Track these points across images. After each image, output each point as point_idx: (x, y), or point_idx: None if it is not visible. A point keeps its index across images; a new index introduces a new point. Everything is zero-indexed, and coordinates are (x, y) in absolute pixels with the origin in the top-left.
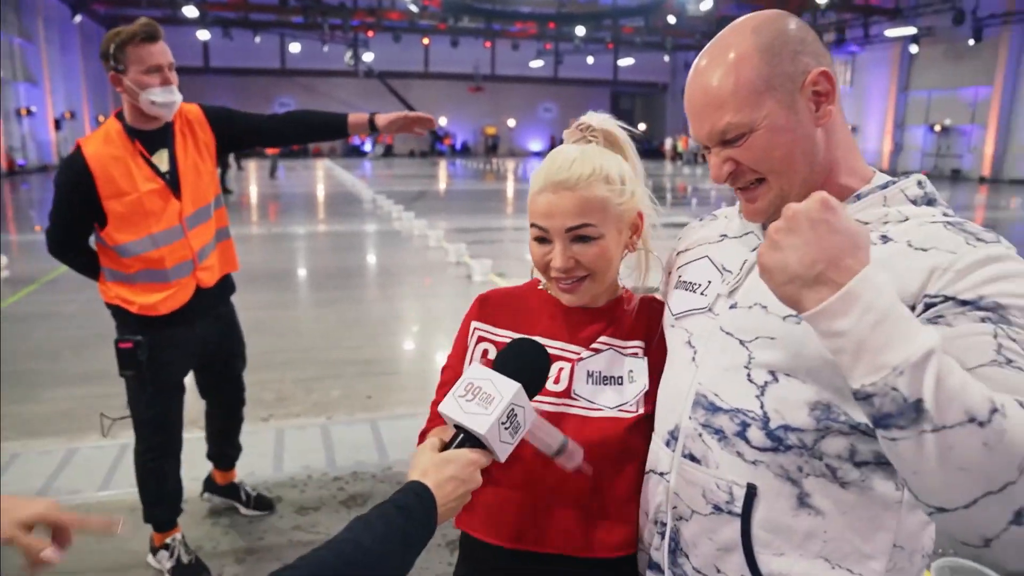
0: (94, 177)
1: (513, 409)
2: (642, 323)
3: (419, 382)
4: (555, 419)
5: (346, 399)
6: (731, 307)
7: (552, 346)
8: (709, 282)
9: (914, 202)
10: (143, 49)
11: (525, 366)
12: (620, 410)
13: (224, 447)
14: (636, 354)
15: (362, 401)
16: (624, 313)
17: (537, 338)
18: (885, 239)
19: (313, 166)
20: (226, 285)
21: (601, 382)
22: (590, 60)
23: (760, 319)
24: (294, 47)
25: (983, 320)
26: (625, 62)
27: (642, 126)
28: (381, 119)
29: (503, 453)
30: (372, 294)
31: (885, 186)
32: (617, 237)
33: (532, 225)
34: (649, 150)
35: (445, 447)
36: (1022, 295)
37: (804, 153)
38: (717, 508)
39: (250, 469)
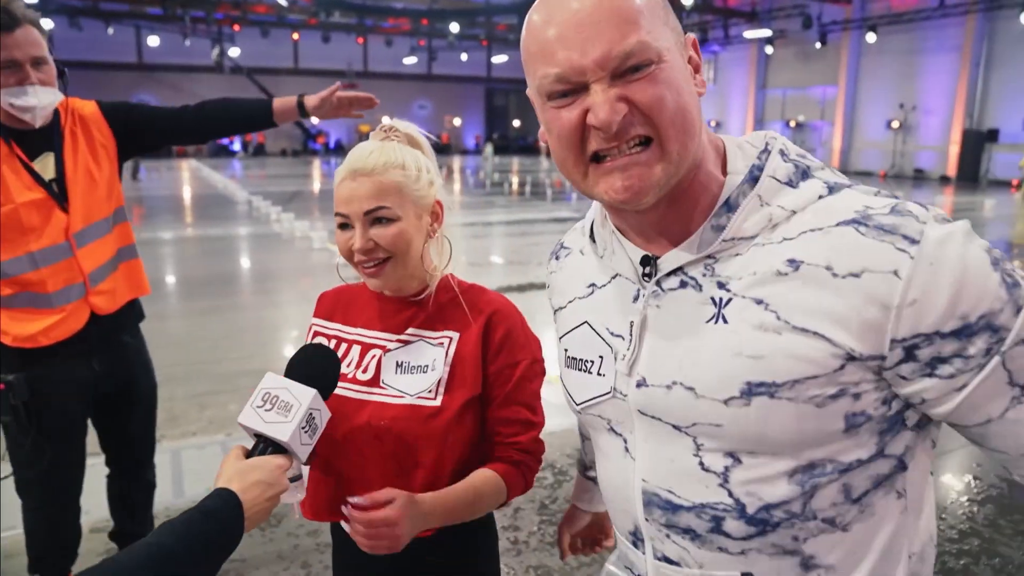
0: None
1: (311, 413)
2: (459, 310)
3: None
4: (358, 406)
5: None
6: (638, 385)
7: (367, 335)
8: (601, 357)
9: (790, 183)
10: None
11: (316, 370)
12: (419, 397)
13: (126, 523)
14: (442, 343)
15: None
16: (437, 302)
17: (359, 329)
18: (793, 264)
19: (178, 167)
20: (131, 313)
21: (408, 371)
22: (464, 57)
23: (690, 404)
24: (152, 40)
25: (988, 350)
26: (499, 59)
27: (516, 123)
28: (312, 101)
29: (304, 455)
30: (257, 300)
31: (753, 179)
32: (416, 222)
33: (336, 214)
34: (524, 146)
35: (249, 455)
36: (984, 290)
37: (696, 113)
38: None
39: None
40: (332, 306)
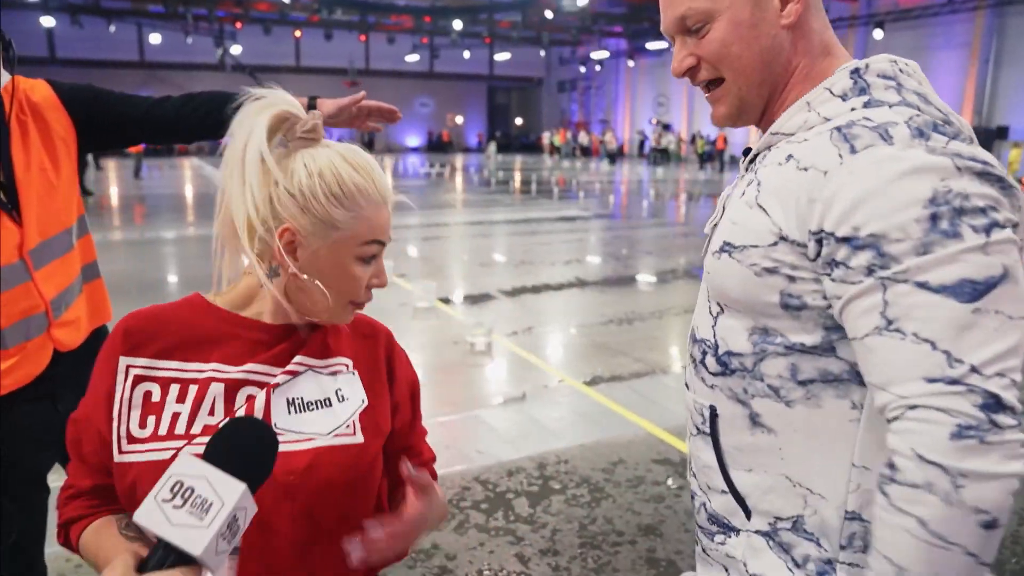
0: None
1: (236, 514)
2: (345, 336)
3: None
4: None
5: None
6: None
7: (237, 371)
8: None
9: (843, 97)
10: None
11: (248, 454)
12: (336, 436)
13: None
14: (341, 371)
15: None
16: (322, 329)
17: (216, 365)
18: (789, 158)
19: (180, 165)
20: (96, 343)
21: (306, 408)
22: (466, 55)
23: (708, 255)
24: (154, 38)
25: (869, 269)
26: (501, 57)
27: (519, 121)
28: (328, 108)
29: (219, 566)
30: None
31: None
32: None
33: (373, 242)
34: (527, 144)
35: (143, 565)
36: (890, 213)
37: (763, 52)
38: (698, 429)
39: None
40: (152, 339)
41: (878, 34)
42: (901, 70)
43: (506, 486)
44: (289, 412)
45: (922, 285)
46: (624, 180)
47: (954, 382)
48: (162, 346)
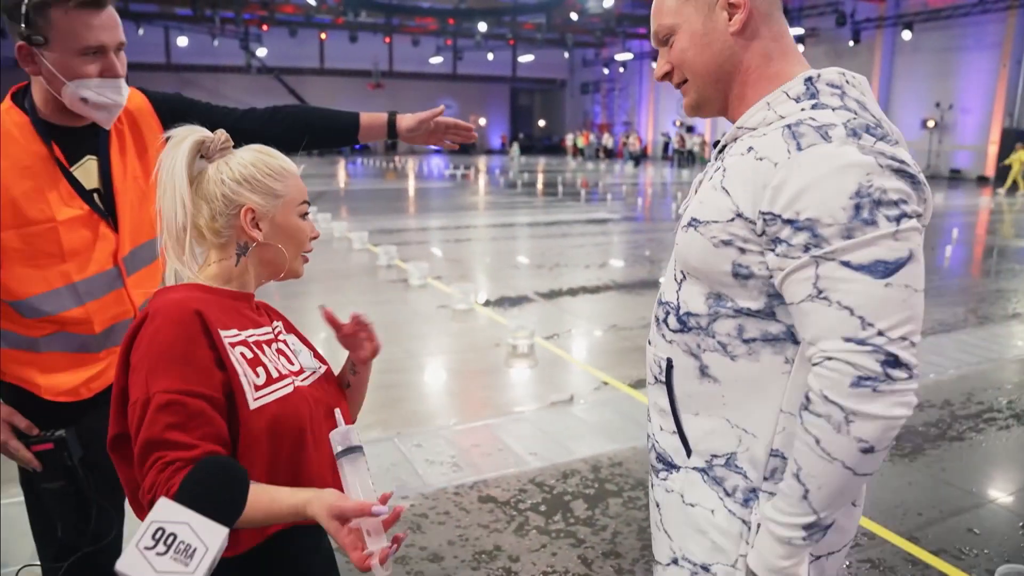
0: None
1: (216, 558)
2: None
3: (382, 399)
4: (312, 398)
5: None
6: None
7: (263, 332)
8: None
9: (796, 99)
10: (81, 17)
11: (222, 497)
12: (322, 364)
13: None
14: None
15: None
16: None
17: (253, 329)
18: (750, 150)
19: None
20: None
21: (299, 351)
22: (490, 56)
23: (678, 230)
24: (181, 41)
25: (805, 247)
26: (525, 58)
27: (542, 122)
28: (406, 122)
29: None
30: (300, 303)
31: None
32: None
33: (303, 202)
34: (550, 146)
35: None
36: (823, 202)
37: (715, 56)
38: (655, 378)
39: None
40: (221, 315)
41: (906, 35)
42: (848, 81)
43: (562, 488)
44: (298, 354)
45: (845, 264)
46: (649, 182)
47: (863, 342)
48: (223, 320)
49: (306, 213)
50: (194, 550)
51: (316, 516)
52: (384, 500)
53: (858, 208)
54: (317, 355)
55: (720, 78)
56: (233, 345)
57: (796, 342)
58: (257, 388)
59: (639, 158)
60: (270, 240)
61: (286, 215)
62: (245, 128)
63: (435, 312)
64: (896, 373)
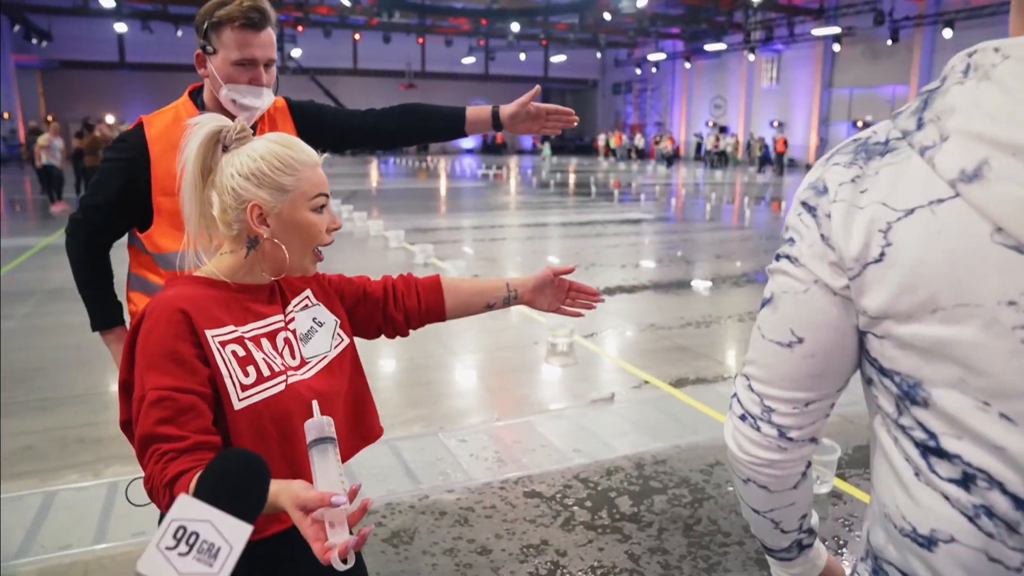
0: (151, 164)
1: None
2: (296, 280)
3: (423, 395)
4: (304, 393)
5: None
6: None
7: (264, 324)
8: None
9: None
10: (241, 35)
11: (245, 492)
12: (335, 347)
13: None
14: (308, 304)
15: None
16: (278, 281)
17: (254, 323)
18: None
19: None
20: None
21: (308, 338)
22: (522, 57)
23: None
24: None
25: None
26: (557, 59)
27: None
28: (509, 110)
29: None
30: None
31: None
32: None
33: (319, 195)
34: (581, 147)
35: None
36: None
37: None
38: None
39: None
40: (209, 312)
41: (947, 33)
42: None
43: (607, 485)
44: (305, 344)
45: None
46: (681, 183)
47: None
48: (216, 317)
49: (322, 206)
50: (218, 549)
51: (284, 506)
52: (352, 493)
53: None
54: (344, 325)
55: None
56: (223, 344)
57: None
58: (244, 388)
59: (671, 159)
60: (278, 236)
61: (295, 210)
62: (363, 124)
63: None
64: (736, 407)
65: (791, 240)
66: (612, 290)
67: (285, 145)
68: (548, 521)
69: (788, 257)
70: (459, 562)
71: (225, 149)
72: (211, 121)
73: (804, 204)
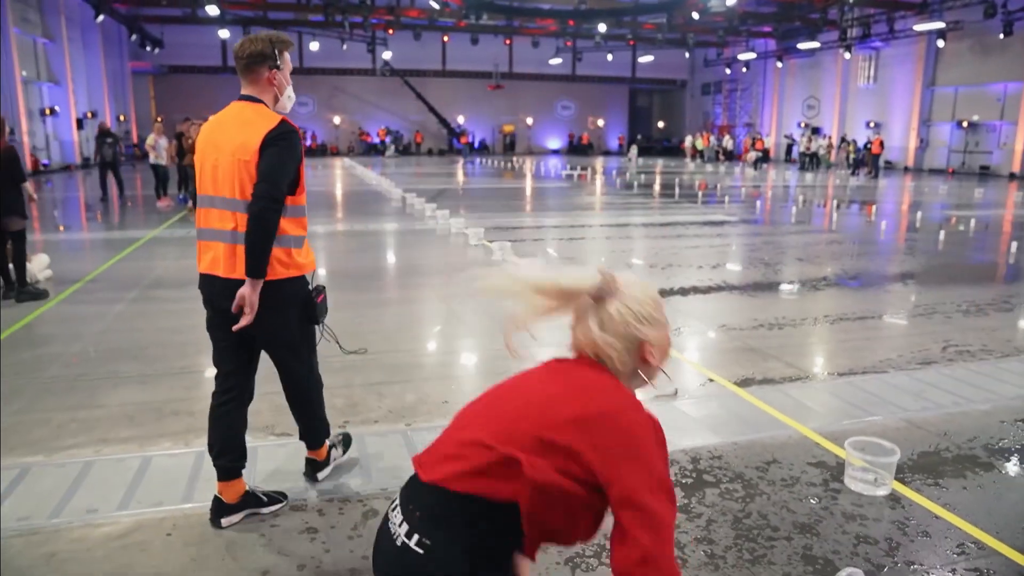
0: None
1: None
2: None
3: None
4: None
5: (422, 404)
6: None
7: None
8: None
9: None
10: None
11: None
12: None
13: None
14: None
15: (439, 407)
16: None
17: None
18: None
19: (332, 164)
20: None
21: None
22: (609, 57)
23: None
24: (313, 45)
25: None
26: (644, 59)
27: (660, 123)
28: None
29: None
30: (423, 294)
31: None
32: None
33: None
34: (668, 148)
35: None
36: None
37: None
38: None
39: (338, 479)
40: None
41: None
42: None
43: None
44: None
45: None
46: (769, 185)
47: None
48: None
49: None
50: None
51: None
52: None
53: None
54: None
55: None
56: None
57: None
58: None
59: (759, 161)
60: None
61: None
62: None
63: None
64: None
65: None
66: (686, 290)
67: (648, 288)
68: None
69: None
70: None
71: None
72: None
73: None
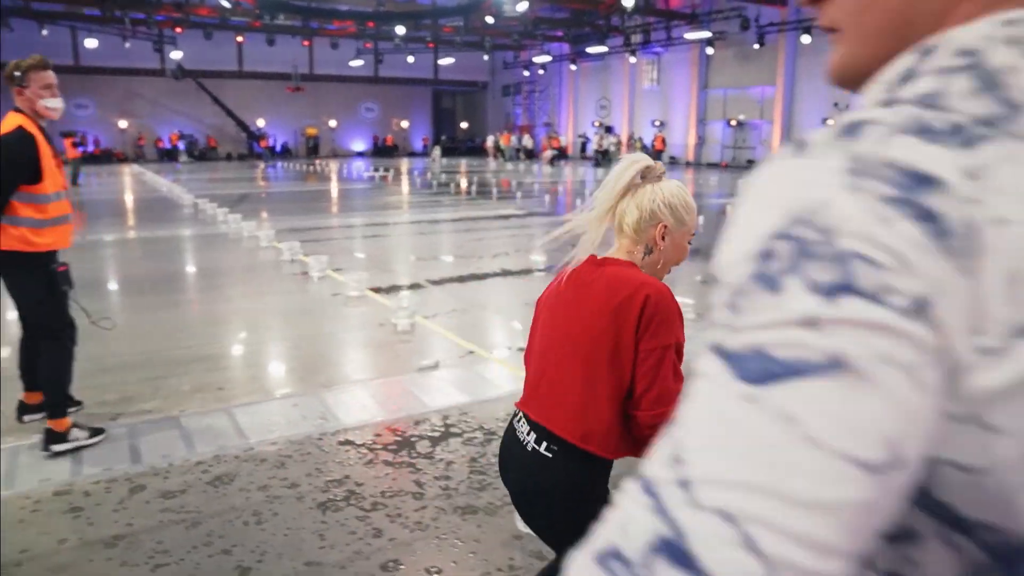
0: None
1: None
2: None
3: (270, 369)
4: None
5: (198, 392)
6: None
7: None
8: None
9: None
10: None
11: None
12: None
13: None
14: None
15: (214, 393)
16: None
17: None
18: None
19: (119, 172)
20: None
21: None
22: (411, 59)
23: None
24: (90, 42)
25: None
26: (445, 61)
27: (464, 124)
28: None
29: None
30: (209, 295)
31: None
32: None
33: (693, 235)
34: (472, 148)
35: None
36: None
37: (889, 13)
38: None
39: (107, 464)
40: None
41: (806, 39)
42: None
43: (413, 432)
44: None
45: None
46: (566, 181)
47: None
48: None
49: (689, 241)
50: None
51: None
52: None
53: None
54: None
55: (892, 51)
56: None
57: None
58: None
59: (555, 158)
60: (664, 251)
61: (682, 238)
62: None
63: (330, 299)
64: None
65: (871, 263)
66: (464, 278)
67: (686, 191)
68: (353, 461)
69: (877, 298)
70: (270, 495)
71: (643, 179)
72: (643, 159)
73: (903, 203)
